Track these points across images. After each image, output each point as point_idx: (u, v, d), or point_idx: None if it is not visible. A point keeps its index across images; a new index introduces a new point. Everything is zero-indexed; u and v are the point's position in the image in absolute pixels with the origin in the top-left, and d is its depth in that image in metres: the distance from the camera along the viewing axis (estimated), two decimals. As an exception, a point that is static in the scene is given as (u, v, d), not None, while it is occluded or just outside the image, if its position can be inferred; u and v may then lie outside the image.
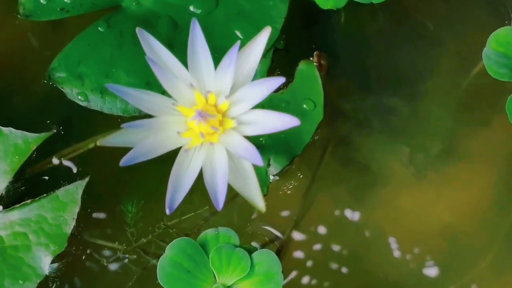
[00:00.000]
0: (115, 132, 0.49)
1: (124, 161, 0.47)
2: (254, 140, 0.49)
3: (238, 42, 0.48)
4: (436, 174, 0.70)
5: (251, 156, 0.47)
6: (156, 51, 0.50)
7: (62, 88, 0.67)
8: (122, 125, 0.47)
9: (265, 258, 0.62)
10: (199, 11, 0.68)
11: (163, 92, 0.52)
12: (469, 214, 0.69)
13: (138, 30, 0.49)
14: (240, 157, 0.49)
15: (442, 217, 0.69)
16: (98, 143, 0.48)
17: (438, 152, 0.71)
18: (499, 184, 0.70)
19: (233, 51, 0.48)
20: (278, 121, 0.47)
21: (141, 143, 0.47)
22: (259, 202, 0.50)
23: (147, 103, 0.49)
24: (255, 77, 0.66)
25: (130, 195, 0.67)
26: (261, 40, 0.50)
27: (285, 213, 0.68)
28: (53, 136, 0.67)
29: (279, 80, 0.47)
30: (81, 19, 0.69)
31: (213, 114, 0.49)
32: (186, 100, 0.51)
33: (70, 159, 0.68)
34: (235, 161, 0.50)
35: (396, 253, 0.68)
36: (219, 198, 0.47)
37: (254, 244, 0.65)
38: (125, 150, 0.48)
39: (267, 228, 0.67)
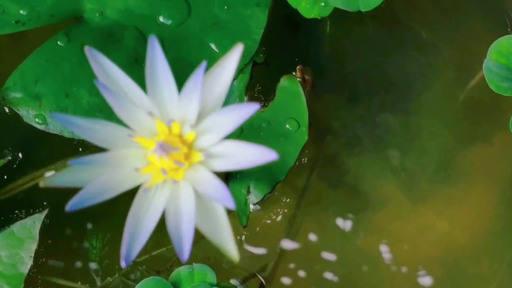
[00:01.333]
0: (62, 171, 0.42)
1: (71, 205, 0.40)
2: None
3: (204, 63, 0.41)
4: (433, 196, 0.67)
5: (222, 197, 0.41)
6: (110, 73, 0.44)
7: (17, 110, 0.62)
8: (68, 162, 0.40)
9: (245, 298, 0.59)
10: (169, 22, 0.65)
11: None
12: (469, 240, 0.66)
13: (87, 49, 0.43)
14: (208, 197, 0.42)
15: (440, 243, 0.66)
16: (41, 185, 0.41)
17: (435, 171, 0.67)
18: (501, 206, 0.66)
19: (198, 73, 0.42)
20: (253, 155, 0.42)
21: (90, 183, 0.40)
22: (232, 249, 0.43)
23: (98, 135, 0.43)
24: (232, 94, 0.60)
25: (95, 227, 0.64)
26: (233, 58, 0.44)
27: (268, 246, 0.65)
28: (7, 164, 0.63)
29: (253, 107, 0.41)
30: (44, 32, 0.64)
31: (177, 146, 0.43)
32: (146, 130, 0.44)
33: (27, 189, 0.64)
34: (203, 201, 0.43)
35: (392, 285, 0.65)
36: (185, 246, 0.41)
37: (233, 281, 0.62)
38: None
39: (248, 262, 0.63)
